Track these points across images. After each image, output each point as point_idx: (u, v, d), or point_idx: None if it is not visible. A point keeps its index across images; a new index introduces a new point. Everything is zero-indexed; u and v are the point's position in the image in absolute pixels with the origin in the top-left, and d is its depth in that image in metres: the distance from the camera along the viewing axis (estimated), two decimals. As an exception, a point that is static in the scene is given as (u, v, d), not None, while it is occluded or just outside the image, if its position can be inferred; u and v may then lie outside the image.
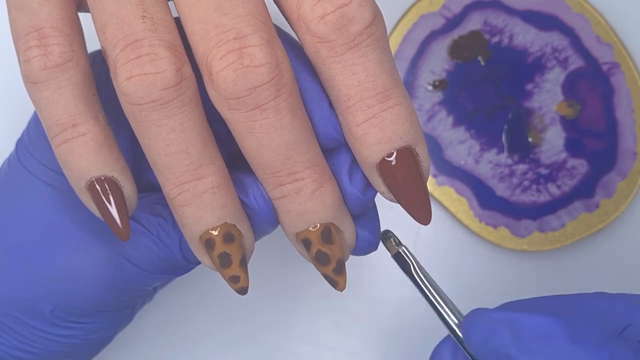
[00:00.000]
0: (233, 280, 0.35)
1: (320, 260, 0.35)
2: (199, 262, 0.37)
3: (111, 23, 0.32)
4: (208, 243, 0.34)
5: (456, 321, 0.36)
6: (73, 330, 0.39)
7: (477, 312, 0.35)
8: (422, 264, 0.53)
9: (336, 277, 0.36)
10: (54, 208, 0.37)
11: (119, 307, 0.39)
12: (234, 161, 0.37)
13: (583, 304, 0.35)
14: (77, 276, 0.37)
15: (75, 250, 0.37)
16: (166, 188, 0.33)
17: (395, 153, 0.33)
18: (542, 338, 0.33)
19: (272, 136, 0.32)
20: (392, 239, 0.37)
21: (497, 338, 0.34)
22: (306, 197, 0.34)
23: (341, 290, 0.36)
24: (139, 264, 0.37)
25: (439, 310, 0.36)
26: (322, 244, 0.35)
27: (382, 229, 0.38)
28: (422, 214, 0.34)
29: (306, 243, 0.35)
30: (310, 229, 0.35)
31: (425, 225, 0.34)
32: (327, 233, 0.35)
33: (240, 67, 0.31)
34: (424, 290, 0.37)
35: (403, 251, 0.37)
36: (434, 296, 0.36)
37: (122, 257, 0.37)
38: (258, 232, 0.36)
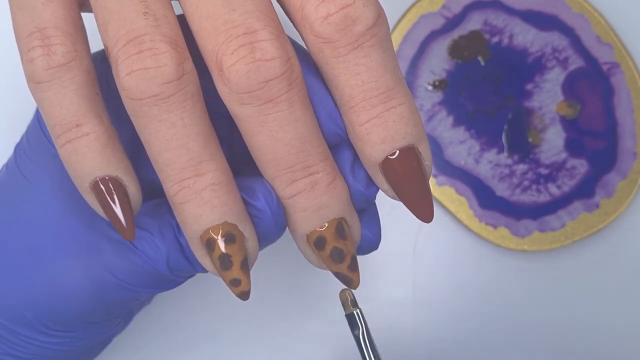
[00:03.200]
0: (234, 283, 0.34)
1: (335, 257, 0.35)
2: (189, 276, 0.37)
3: (113, 20, 0.32)
4: (208, 243, 0.34)
5: None
6: (61, 338, 0.38)
7: None
8: (422, 263, 0.53)
9: (351, 274, 0.35)
10: (44, 217, 0.37)
11: (105, 318, 0.39)
12: (238, 165, 0.36)
13: None
14: (61, 288, 0.36)
15: (61, 262, 0.36)
16: (167, 185, 0.33)
17: (398, 152, 0.33)
18: None
19: (286, 129, 0.32)
20: (349, 299, 0.37)
21: None
22: (322, 191, 0.34)
23: (355, 288, 0.36)
24: (123, 279, 0.36)
25: None
26: (337, 240, 0.34)
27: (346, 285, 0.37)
28: (424, 212, 0.34)
29: (320, 242, 0.35)
30: (318, 229, 0.34)
31: (427, 222, 0.34)
32: (341, 228, 0.34)
33: (252, 61, 0.31)
34: (365, 355, 0.36)
35: (357, 313, 0.36)
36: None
37: (106, 271, 0.36)
38: (264, 238, 0.35)
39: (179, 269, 0.36)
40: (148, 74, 0.31)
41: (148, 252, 0.36)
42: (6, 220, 0.38)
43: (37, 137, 0.37)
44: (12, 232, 0.37)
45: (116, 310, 0.39)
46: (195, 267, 0.36)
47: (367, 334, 0.36)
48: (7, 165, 0.39)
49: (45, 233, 0.37)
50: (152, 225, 0.36)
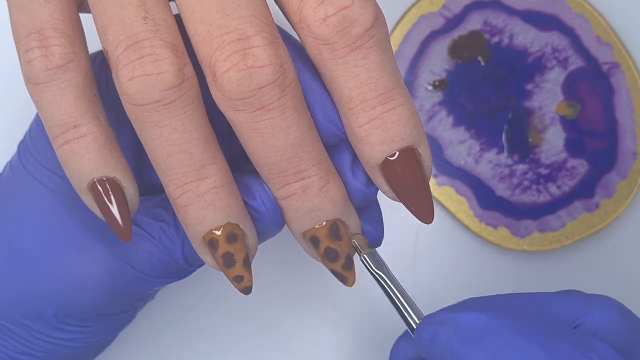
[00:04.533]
0: (237, 279, 0.35)
1: (329, 257, 0.35)
2: (200, 265, 0.37)
3: (112, 24, 0.32)
4: (211, 243, 0.34)
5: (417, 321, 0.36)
6: (75, 334, 0.39)
7: (425, 317, 0.35)
8: (422, 263, 0.53)
9: (346, 273, 0.36)
10: (56, 212, 0.37)
11: (121, 310, 0.39)
12: (237, 160, 0.37)
13: (533, 303, 0.36)
14: (79, 280, 0.37)
15: (78, 255, 0.37)
16: (169, 188, 0.33)
17: (397, 153, 0.33)
18: (482, 330, 0.33)
19: (278, 136, 0.32)
20: (364, 241, 0.37)
21: (441, 338, 0.34)
22: (313, 195, 0.34)
23: (350, 286, 0.36)
24: (140, 269, 0.37)
25: (403, 313, 0.36)
26: (330, 240, 0.35)
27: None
28: (424, 213, 0.34)
29: (314, 241, 0.35)
30: (317, 226, 0.35)
31: (428, 223, 0.34)
32: (335, 229, 0.35)
33: (244, 68, 0.31)
34: (389, 291, 0.36)
35: (376, 251, 0.37)
36: (398, 298, 0.36)
37: (123, 261, 0.37)
38: (263, 234, 0.36)
39: (194, 257, 0.37)
40: (149, 81, 0.31)
41: (164, 242, 0.36)
42: (16, 217, 0.38)
43: (40, 135, 0.38)
44: (25, 228, 0.38)
45: (132, 301, 0.39)
46: None
47: (387, 269, 0.36)
48: (10, 163, 0.39)
49: (62, 226, 0.37)
50: (167, 217, 0.36)
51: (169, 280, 0.38)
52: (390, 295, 0.36)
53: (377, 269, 0.36)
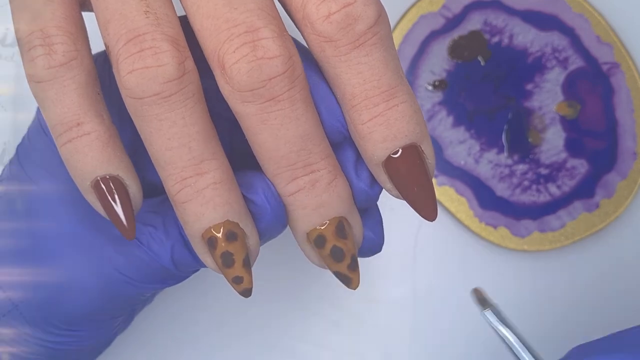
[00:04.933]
0: (236, 281, 0.34)
1: (335, 256, 0.35)
2: (193, 271, 0.37)
3: (114, 19, 0.32)
4: (210, 242, 0.34)
5: None
6: (66, 337, 0.38)
7: None
8: (422, 263, 0.53)
9: (351, 274, 0.35)
10: (49, 217, 0.37)
11: (112, 315, 0.39)
12: (236, 160, 0.37)
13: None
14: (68, 286, 0.37)
15: (67, 260, 0.37)
16: (168, 184, 0.33)
17: (400, 151, 0.33)
18: None
19: (287, 127, 0.32)
20: (484, 296, 0.36)
21: None
22: (322, 189, 0.34)
23: (355, 288, 0.36)
24: (129, 275, 0.36)
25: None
26: (337, 239, 0.34)
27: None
28: (428, 210, 0.34)
29: (319, 241, 0.35)
30: (319, 227, 0.34)
31: (431, 221, 0.34)
32: (341, 227, 0.34)
33: (254, 59, 0.31)
34: (512, 348, 0.36)
35: (497, 306, 0.36)
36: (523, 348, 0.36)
37: (112, 267, 0.36)
38: (266, 234, 0.35)
39: (184, 263, 0.36)
40: (149, 73, 0.31)
41: (153, 247, 0.36)
42: (10, 220, 0.38)
43: (39, 137, 0.38)
44: (17, 232, 0.37)
45: (123, 307, 0.39)
46: (199, 262, 0.36)
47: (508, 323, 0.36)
48: (9, 165, 0.39)
49: (51, 232, 0.37)
50: (156, 221, 0.36)
51: (160, 286, 0.37)
52: (513, 352, 0.35)
53: (500, 325, 0.35)
